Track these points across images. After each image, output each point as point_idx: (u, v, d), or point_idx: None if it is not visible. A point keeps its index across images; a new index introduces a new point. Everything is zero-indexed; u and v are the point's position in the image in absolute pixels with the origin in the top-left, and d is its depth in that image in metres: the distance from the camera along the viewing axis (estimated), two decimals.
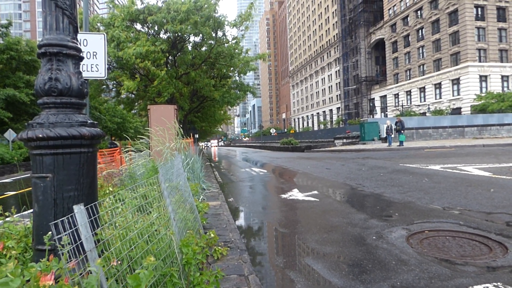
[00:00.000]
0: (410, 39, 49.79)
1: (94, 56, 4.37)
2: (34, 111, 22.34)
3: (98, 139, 2.09)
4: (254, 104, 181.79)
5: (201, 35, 17.35)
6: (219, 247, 3.04)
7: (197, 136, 31.56)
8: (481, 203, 4.81)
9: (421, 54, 47.95)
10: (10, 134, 17.45)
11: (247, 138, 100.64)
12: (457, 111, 40.68)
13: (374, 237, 3.54)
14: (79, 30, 2.69)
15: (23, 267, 1.34)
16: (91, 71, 4.38)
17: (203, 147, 59.47)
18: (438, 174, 7.86)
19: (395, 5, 53.20)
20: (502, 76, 41.13)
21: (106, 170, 6.09)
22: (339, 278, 2.60)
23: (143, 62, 14.83)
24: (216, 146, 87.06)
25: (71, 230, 1.46)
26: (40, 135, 1.85)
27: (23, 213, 3.31)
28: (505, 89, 40.25)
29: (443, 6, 42.89)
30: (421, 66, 47.94)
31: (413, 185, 6.62)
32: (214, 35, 17.59)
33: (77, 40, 2.08)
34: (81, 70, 2.12)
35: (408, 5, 49.78)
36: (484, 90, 39.69)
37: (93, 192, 2.08)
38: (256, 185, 8.51)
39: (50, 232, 1.73)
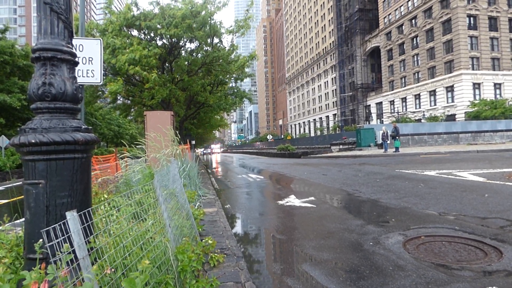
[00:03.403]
0: (405, 47, 50.49)
1: (90, 62, 4.35)
2: (29, 117, 21.72)
3: (92, 145, 2.06)
4: (251, 111, 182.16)
5: (196, 41, 17.40)
6: (216, 254, 3.00)
7: (193, 142, 31.50)
8: (476, 208, 4.82)
9: (416, 62, 48.58)
10: (2, 141, 17.01)
11: (258, 142, 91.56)
12: (451, 117, 41.12)
13: (371, 243, 3.53)
14: (75, 35, 2.68)
15: (13, 276, 1.31)
16: (87, 76, 4.36)
17: (200, 153, 58.40)
18: (434, 179, 7.89)
19: (390, 13, 54.08)
20: (495, 84, 41.80)
21: (101, 177, 6.03)
22: (337, 285, 2.58)
23: (134, 68, 14.77)
24: (219, 152, 75.99)
25: (63, 237, 1.43)
26: (33, 141, 1.82)
27: (15, 221, 3.24)
28: (498, 96, 40.87)
29: (437, 15, 43.69)
30: (416, 74, 48.55)
31: (409, 190, 6.63)
32: (210, 41, 17.66)
33: (72, 45, 2.07)
34: (76, 75, 2.10)
35: (403, 13, 50.62)
36: (477, 97, 40.26)
37: (87, 198, 2.05)
38: (253, 191, 8.47)
39: (41, 240, 1.69)
